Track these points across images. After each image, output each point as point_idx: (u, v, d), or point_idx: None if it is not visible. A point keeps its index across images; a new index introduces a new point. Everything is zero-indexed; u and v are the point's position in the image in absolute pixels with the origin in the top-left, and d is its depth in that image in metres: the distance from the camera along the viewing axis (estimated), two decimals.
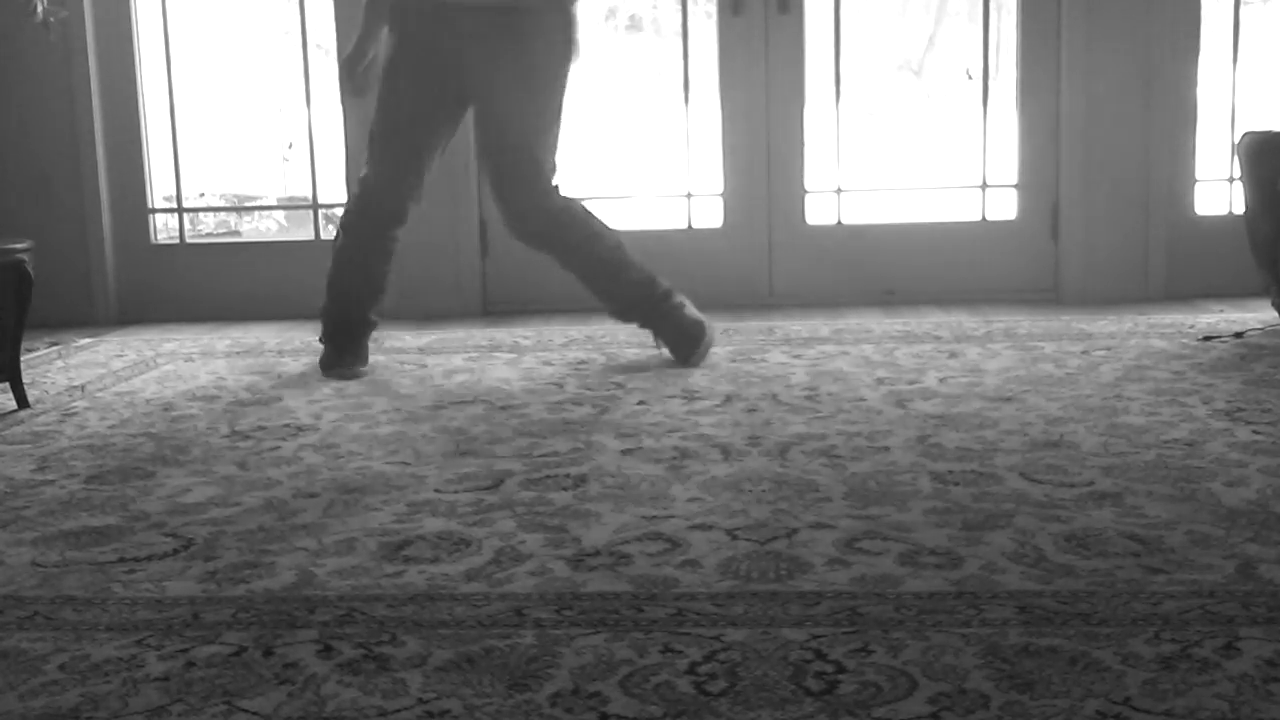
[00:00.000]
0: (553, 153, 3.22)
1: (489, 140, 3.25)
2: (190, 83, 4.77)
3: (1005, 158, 4.38)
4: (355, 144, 4.40)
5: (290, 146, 5.62)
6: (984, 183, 4.39)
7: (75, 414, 2.97)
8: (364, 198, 3.30)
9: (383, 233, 3.32)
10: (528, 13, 3.14)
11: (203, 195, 5.49)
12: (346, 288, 3.36)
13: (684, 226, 4.43)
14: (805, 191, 4.36)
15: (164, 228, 4.61)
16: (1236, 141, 3.83)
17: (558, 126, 3.23)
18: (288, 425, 2.79)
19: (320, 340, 3.42)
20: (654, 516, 2.07)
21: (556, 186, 3.24)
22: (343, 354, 3.35)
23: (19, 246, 3.85)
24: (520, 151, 3.19)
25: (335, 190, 4.57)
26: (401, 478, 2.35)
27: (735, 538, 1.95)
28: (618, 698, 1.43)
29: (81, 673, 1.54)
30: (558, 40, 3.18)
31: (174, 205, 4.60)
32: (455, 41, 3.17)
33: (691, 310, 3.36)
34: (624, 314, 3.38)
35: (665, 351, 3.36)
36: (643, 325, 3.39)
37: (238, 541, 2.01)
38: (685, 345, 3.32)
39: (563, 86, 3.21)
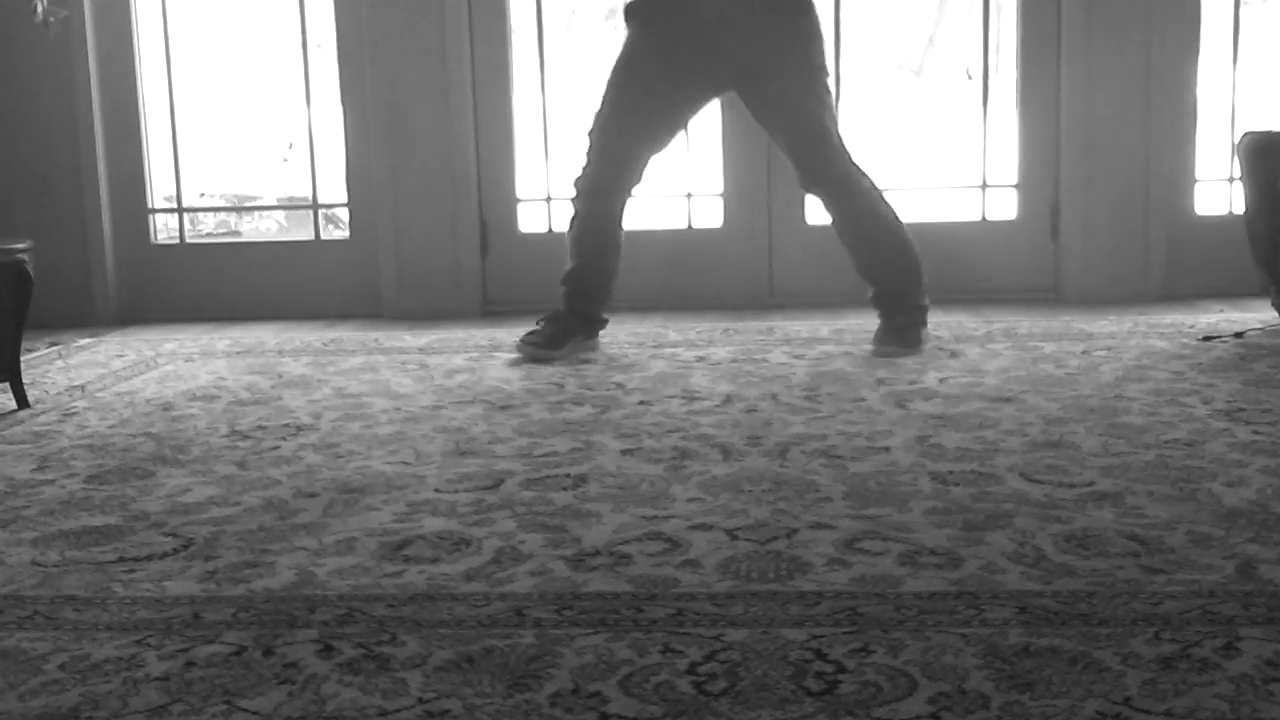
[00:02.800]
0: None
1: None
2: (190, 83, 4.77)
3: (1005, 158, 4.38)
4: (355, 144, 4.40)
5: (290, 146, 5.61)
6: (984, 183, 4.39)
7: (75, 414, 2.97)
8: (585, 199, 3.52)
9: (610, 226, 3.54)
10: None
11: (203, 195, 5.49)
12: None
13: (684, 226, 4.43)
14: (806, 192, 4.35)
15: (164, 228, 4.61)
16: (1236, 141, 3.83)
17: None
18: (288, 425, 2.79)
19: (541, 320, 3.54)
20: (654, 516, 2.07)
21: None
22: (553, 339, 3.47)
23: (19, 246, 3.85)
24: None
25: (335, 190, 4.56)
26: (401, 478, 2.35)
27: (735, 538, 1.95)
28: (618, 698, 1.43)
29: (81, 672, 1.54)
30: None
31: (174, 205, 4.60)
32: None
33: None
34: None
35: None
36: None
37: (238, 541, 2.01)
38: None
39: None
